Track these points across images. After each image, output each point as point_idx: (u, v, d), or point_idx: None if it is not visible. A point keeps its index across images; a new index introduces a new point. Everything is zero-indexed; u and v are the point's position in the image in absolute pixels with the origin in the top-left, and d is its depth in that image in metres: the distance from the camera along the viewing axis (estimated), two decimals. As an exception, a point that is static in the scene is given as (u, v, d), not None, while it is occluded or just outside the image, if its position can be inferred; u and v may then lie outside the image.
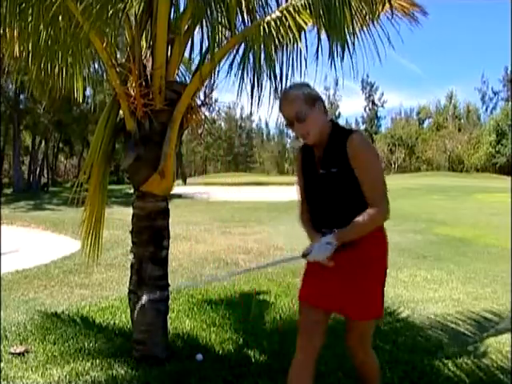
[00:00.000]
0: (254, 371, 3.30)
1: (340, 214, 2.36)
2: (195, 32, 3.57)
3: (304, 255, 2.33)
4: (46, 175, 39.68)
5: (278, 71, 3.45)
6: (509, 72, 68.15)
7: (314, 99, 2.38)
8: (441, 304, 5.30)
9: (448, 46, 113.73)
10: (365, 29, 3.38)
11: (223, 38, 3.65)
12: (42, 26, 3.50)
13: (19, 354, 3.70)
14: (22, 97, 29.24)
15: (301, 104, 2.35)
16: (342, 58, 3.05)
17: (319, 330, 2.41)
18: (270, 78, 3.37)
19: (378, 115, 79.91)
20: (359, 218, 2.27)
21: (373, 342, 3.90)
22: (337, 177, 2.34)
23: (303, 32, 3.42)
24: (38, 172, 34.16)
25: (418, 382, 3.22)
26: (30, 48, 3.63)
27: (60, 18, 3.48)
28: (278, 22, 3.26)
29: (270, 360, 3.56)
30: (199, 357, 3.55)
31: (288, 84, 3.35)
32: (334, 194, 2.38)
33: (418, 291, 5.86)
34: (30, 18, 3.43)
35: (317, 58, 3.22)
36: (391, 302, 5.26)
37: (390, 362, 3.53)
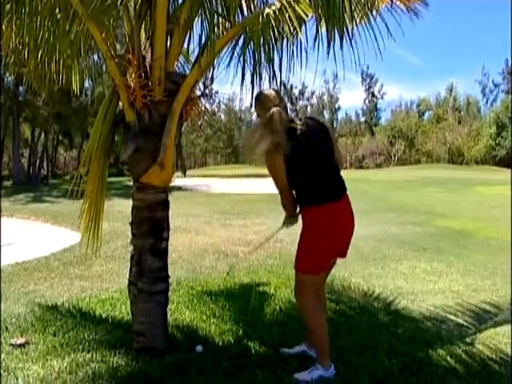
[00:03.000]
0: (254, 362, 3.30)
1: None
2: (194, 22, 3.55)
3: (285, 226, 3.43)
4: (45, 167, 39.61)
5: (277, 62, 3.45)
6: (509, 64, 67.86)
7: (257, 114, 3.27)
8: (440, 296, 5.31)
9: (448, 38, 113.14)
10: (365, 20, 3.36)
11: (222, 28, 3.64)
12: (39, 17, 3.48)
13: (19, 345, 3.71)
14: (21, 89, 29.12)
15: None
16: (341, 48, 3.04)
17: None
18: (271, 70, 3.36)
19: (378, 107, 79.61)
20: None
21: (372, 333, 3.94)
22: None
23: (303, 23, 3.41)
24: (37, 164, 34.05)
25: (417, 372, 3.23)
26: (27, 39, 3.61)
27: (58, 8, 3.47)
28: (278, 13, 3.24)
29: (269, 351, 3.57)
30: (199, 348, 3.56)
31: (287, 76, 3.43)
32: None
33: (417, 283, 5.87)
34: (27, 9, 3.41)
35: (314, 48, 3.21)
36: (391, 294, 5.28)
37: (390, 353, 3.54)
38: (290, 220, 3.39)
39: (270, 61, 3.35)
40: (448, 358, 3.52)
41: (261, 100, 3.24)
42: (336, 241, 3.13)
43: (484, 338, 3.99)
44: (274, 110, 3.09)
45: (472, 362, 3.51)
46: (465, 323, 4.40)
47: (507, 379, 3.20)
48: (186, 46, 3.76)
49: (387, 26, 3.25)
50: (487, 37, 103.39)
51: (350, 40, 3.10)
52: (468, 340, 3.91)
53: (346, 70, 3.16)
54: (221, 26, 3.65)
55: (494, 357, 3.61)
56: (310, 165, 3.11)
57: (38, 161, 34.17)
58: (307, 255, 3.14)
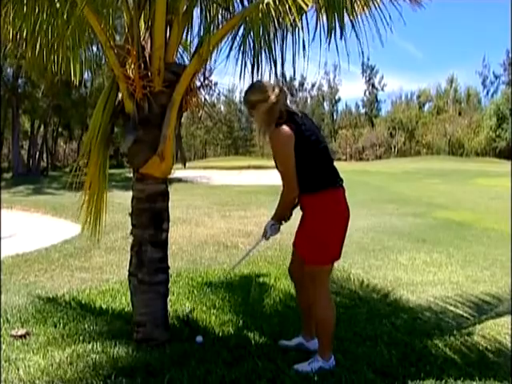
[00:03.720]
0: (254, 353, 3.31)
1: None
2: (194, 12, 3.53)
3: (265, 237, 3.30)
4: (45, 160, 39.57)
5: (277, 53, 3.44)
6: (510, 55, 67.53)
7: (253, 104, 3.15)
8: (440, 287, 5.33)
9: (449, 29, 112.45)
10: (366, 11, 3.34)
11: (222, 18, 3.61)
12: (38, 7, 3.46)
13: (20, 336, 3.73)
14: (20, 81, 29.02)
15: (248, 109, 3.23)
16: (341, 38, 3.03)
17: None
18: (271, 61, 3.35)
19: (378, 99, 79.27)
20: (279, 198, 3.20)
21: (371, 324, 3.95)
22: None
23: (304, 13, 3.39)
24: (37, 156, 34.02)
25: (416, 363, 3.24)
26: (26, 30, 3.58)
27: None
28: (278, 2, 3.22)
29: (269, 342, 3.58)
30: (199, 339, 3.57)
31: (288, 66, 3.40)
32: None
33: (417, 274, 5.89)
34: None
35: (314, 39, 3.20)
36: (390, 285, 5.29)
37: (389, 343, 3.55)
38: (273, 228, 3.28)
39: (270, 51, 3.33)
40: (447, 349, 3.54)
41: (258, 88, 3.20)
42: (335, 229, 3.11)
43: (483, 328, 4.01)
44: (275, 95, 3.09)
45: (471, 352, 3.53)
46: (464, 314, 4.41)
47: (506, 369, 3.21)
48: (185, 36, 3.74)
49: (389, 17, 3.24)
50: (488, 28, 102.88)
51: (354, 30, 3.09)
52: (467, 331, 3.93)
53: (346, 62, 3.15)
54: (220, 16, 3.63)
55: (492, 348, 3.63)
56: (314, 149, 3.09)
57: (37, 153, 34.13)
58: (310, 246, 3.12)
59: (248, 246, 7.29)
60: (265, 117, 3.10)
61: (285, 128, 3.01)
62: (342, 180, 3.18)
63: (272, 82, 3.28)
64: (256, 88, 3.20)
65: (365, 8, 3.32)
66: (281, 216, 3.29)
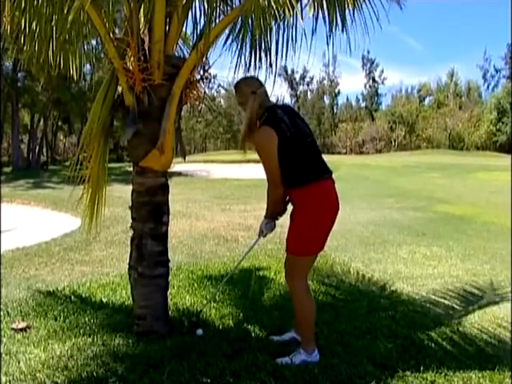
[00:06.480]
0: (254, 346, 3.31)
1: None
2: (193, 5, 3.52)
3: (262, 236, 3.44)
4: (45, 154, 39.57)
5: (278, 46, 3.44)
6: (511, 49, 67.25)
7: (243, 92, 3.16)
8: (439, 280, 5.33)
9: (450, 22, 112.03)
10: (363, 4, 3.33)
11: (220, 12, 3.60)
12: (37, 0, 3.44)
13: (21, 329, 3.73)
14: (19, 75, 28.94)
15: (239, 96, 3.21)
16: (343, 31, 3.02)
17: None
18: (270, 53, 3.34)
19: (379, 92, 79.14)
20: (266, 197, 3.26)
21: (371, 317, 3.95)
22: None
23: (303, 7, 3.38)
24: (37, 150, 34.02)
25: (415, 356, 3.24)
26: (25, 24, 3.56)
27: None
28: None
29: (269, 335, 3.58)
30: (199, 332, 3.57)
31: (285, 59, 3.47)
32: None
33: (417, 268, 5.89)
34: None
35: (313, 33, 3.20)
36: (390, 278, 5.29)
37: (389, 336, 3.56)
38: (268, 226, 3.37)
39: (266, 43, 3.33)
40: (446, 342, 3.54)
41: (239, 87, 3.23)
42: (323, 221, 3.11)
43: (482, 321, 4.02)
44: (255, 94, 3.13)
45: (470, 345, 3.53)
46: (464, 307, 4.42)
47: (506, 362, 3.21)
48: (184, 29, 3.73)
49: (401, 8, 3.23)
50: (489, 21, 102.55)
51: (353, 21, 3.08)
52: (466, 324, 3.94)
53: (346, 55, 3.17)
54: (219, 9, 3.61)
55: (491, 341, 3.65)
56: (298, 144, 3.09)
57: (37, 147, 34.12)
58: (297, 236, 3.14)
59: (248, 241, 7.32)
60: (255, 108, 3.11)
61: (267, 128, 3.04)
62: (330, 172, 3.19)
63: (271, 74, 3.29)
64: (249, 79, 3.28)
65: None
66: (273, 213, 3.35)
